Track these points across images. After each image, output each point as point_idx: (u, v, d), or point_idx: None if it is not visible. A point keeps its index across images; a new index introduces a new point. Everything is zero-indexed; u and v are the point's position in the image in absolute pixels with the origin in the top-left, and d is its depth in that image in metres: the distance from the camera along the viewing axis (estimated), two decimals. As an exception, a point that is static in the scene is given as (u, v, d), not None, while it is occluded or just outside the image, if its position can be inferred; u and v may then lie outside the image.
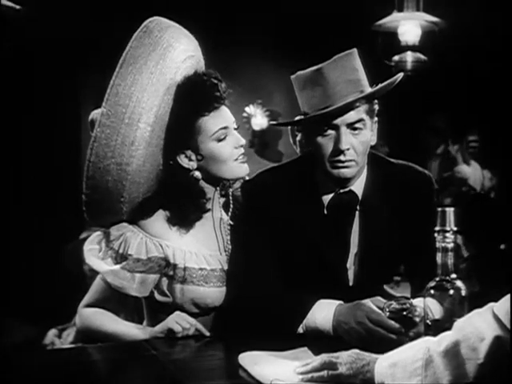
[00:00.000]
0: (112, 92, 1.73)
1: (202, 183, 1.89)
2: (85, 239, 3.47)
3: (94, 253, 1.84)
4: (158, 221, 1.84)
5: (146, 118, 1.74)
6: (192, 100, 1.81)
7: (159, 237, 1.83)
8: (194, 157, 1.85)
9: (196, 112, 1.81)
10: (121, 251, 1.81)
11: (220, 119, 1.84)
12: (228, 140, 1.85)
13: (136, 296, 1.83)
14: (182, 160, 1.84)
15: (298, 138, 3.72)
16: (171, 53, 1.78)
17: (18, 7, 3.71)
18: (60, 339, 3.14)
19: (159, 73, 1.75)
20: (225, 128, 1.84)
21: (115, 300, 1.86)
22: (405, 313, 1.54)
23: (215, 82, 1.84)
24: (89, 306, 1.87)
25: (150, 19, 1.80)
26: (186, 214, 1.85)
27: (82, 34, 4.84)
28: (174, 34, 1.82)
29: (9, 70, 3.94)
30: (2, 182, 4.08)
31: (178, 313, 1.79)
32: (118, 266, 1.80)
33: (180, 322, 1.75)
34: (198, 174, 1.86)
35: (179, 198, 1.84)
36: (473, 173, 5.61)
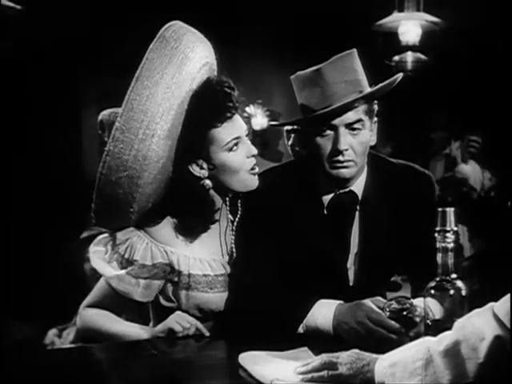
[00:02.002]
0: (127, 107, 1.70)
1: (212, 193, 1.87)
2: (85, 239, 3.49)
3: (99, 255, 1.83)
4: (165, 228, 1.83)
5: (160, 133, 1.71)
6: (205, 112, 1.78)
7: (165, 243, 1.82)
8: (205, 165, 1.82)
9: (209, 123, 1.78)
10: (126, 256, 1.80)
11: (232, 129, 1.80)
12: (240, 149, 1.82)
13: (140, 301, 1.83)
14: (194, 168, 1.82)
15: (290, 142, 3.71)
16: (187, 65, 1.75)
17: (18, 7, 3.71)
18: (60, 339, 3.14)
19: (175, 87, 1.72)
20: (237, 138, 1.81)
21: (118, 303, 1.85)
22: (405, 313, 1.54)
23: (228, 91, 1.80)
24: (91, 306, 1.87)
25: (166, 26, 1.76)
26: (193, 225, 1.84)
27: (82, 34, 4.84)
28: (190, 42, 1.78)
29: (9, 69, 3.94)
30: (2, 182, 4.08)
31: (178, 313, 1.79)
32: (123, 272, 1.79)
33: (180, 321, 1.74)
34: (208, 182, 1.83)
35: (188, 207, 1.82)
36: (473, 172, 5.60)
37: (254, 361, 1.43)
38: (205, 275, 1.83)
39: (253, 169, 1.84)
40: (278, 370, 1.38)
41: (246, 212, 1.90)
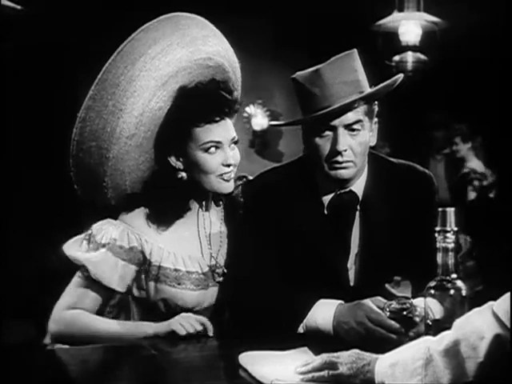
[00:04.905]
0: (102, 77, 1.73)
1: (188, 184, 1.85)
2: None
3: (74, 247, 1.82)
4: (138, 216, 1.83)
5: (130, 109, 1.73)
6: (192, 108, 1.77)
7: (139, 230, 1.82)
8: (181, 158, 1.82)
9: (193, 121, 1.77)
10: (104, 241, 1.79)
11: (214, 133, 1.78)
12: (217, 155, 1.79)
13: (115, 290, 1.80)
14: (171, 159, 1.82)
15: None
16: (176, 50, 1.75)
17: (18, 7, 3.71)
18: (60, 339, 3.14)
19: (154, 68, 1.73)
20: (216, 142, 1.79)
21: (96, 300, 1.82)
22: (405, 313, 1.54)
23: (224, 94, 1.79)
24: (70, 308, 1.82)
25: (171, 15, 1.78)
26: (164, 211, 1.83)
27: (82, 34, 4.84)
28: (190, 33, 1.78)
29: (9, 70, 3.94)
30: (1, 182, 4.08)
31: (183, 314, 1.77)
32: (102, 250, 1.77)
33: (184, 324, 1.72)
34: (184, 174, 1.83)
35: (161, 192, 1.83)
36: (480, 169, 5.56)
37: (254, 361, 1.43)
38: (176, 270, 1.82)
39: (223, 176, 1.81)
40: (278, 369, 1.37)
41: (246, 212, 1.90)
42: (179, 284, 1.82)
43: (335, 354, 1.32)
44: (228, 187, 1.84)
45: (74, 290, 1.83)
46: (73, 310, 1.81)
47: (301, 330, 1.70)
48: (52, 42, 4.79)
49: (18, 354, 1.66)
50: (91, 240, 1.81)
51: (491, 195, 5.47)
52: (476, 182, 5.24)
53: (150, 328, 1.76)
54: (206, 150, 1.79)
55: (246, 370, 1.40)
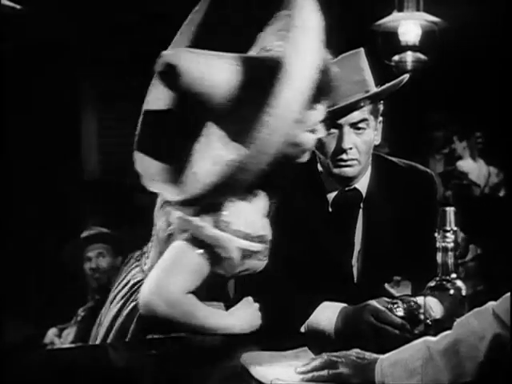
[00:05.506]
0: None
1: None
2: (86, 238, 3.49)
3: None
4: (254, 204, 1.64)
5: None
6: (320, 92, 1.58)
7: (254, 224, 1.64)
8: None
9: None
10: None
11: (320, 112, 1.63)
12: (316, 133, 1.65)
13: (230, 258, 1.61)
14: None
15: None
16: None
17: (18, 7, 3.71)
18: (60, 339, 3.15)
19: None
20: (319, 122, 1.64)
21: (203, 279, 1.63)
22: (416, 312, 1.54)
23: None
24: (187, 291, 1.61)
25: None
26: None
27: (82, 34, 4.84)
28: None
29: (9, 70, 3.95)
30: (2, 181, 4.08)
31: None
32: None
33: None
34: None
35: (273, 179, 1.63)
36: (477, 168, 5.55)
37: (254, 360, 1.43)
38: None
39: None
40: (278, 369, 1.37)
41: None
42: (265, 256, 1.68)
43: (335, 354, 1.32)
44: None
45: (186, 268, 1.61)
46: (189, 294, 1.61)
47: (302, 329, 1.70)
48: (52, 41, 4.79)
49: (18, 354, 1.65)
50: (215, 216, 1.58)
51: (501, 194, 5.47)
52: (455, 180, 5.25)
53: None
54: (311, 131, 1.64)
55: (246, 370, 1.40)
